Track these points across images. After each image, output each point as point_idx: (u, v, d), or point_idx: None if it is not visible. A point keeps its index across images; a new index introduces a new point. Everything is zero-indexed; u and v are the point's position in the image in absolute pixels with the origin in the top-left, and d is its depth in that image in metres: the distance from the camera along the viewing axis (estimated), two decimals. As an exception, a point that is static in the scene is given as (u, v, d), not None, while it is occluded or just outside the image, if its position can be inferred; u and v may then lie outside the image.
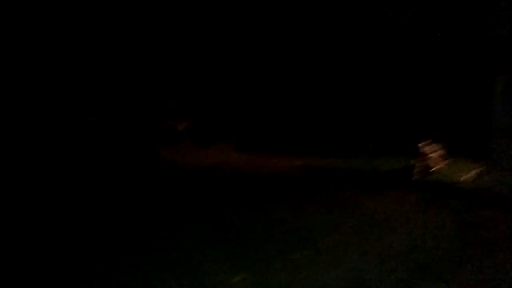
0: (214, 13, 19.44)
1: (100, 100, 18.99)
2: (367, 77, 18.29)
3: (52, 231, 6.24)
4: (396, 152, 17.04)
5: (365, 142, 18.47)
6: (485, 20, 11.95)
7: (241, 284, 4.59)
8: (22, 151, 14.17)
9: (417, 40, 15.25)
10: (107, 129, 20.39)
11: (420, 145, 11.82)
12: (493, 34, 11.39)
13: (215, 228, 6.41)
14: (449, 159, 12.11)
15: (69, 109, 18.92)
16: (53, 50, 17.73)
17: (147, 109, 21.42)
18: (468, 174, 11.19)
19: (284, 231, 6.29)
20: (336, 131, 19.69)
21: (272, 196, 8.60)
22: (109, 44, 18.23)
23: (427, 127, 15.12)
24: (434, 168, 11.64)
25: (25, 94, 17.40)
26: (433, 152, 11.78)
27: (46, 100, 18.20)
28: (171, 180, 10.34)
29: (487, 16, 11.33)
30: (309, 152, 18.13)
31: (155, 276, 4.75)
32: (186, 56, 19.99)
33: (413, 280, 4.74)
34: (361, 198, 8.41)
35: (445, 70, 14.89)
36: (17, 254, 5.35)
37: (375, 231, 6.33)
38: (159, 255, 5.32)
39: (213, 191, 9.06)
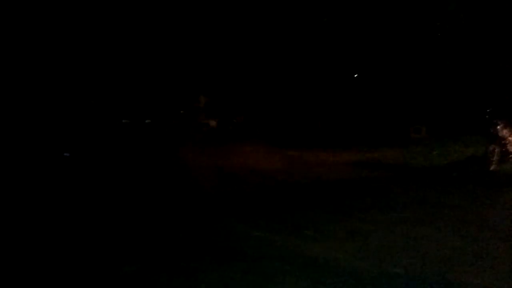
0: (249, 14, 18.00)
1: (131, 99, 17.75)
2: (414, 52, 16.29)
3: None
4: (450, 137, 15.10)
5: (415, 126, 16.43)
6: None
7: None
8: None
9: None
10: (137, 130, 19.07)
11: (496, 127, 9.72)
12: None
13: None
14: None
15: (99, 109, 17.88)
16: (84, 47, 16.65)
17: (178, 106, 19.92)
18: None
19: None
20: (379, 118, 17.70)
21: (358, 211, 6.17)
22: (141, 39, 16.85)
23: (488, 104, 13.03)
24: None
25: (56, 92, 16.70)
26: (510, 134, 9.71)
27: (76, 98, 17.31)
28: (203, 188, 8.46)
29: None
30: (353, 144, 16.12)
31: None
32: (216, 51, 18.34)
33: None
34: (469, 206, 6.46)
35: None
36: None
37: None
38: None
39: (260, 203, 6.98)
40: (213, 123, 20.47)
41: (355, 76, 17.87)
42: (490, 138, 9.77)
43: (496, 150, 9.51)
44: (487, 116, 11.04)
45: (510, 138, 9.60)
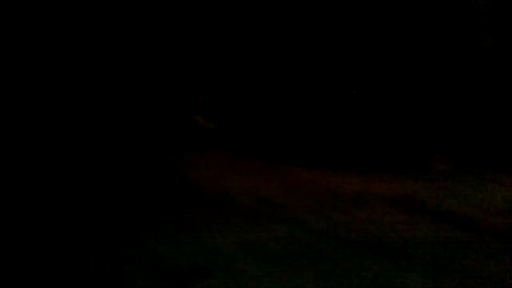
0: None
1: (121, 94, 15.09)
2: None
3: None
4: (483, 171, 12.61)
5: (440, 155, 13.83)
6: None
7: None
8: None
9: None
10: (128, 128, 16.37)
11: None
12: None
13: None
14: None
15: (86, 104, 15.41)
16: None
17: (175, 105, 17.10)
18: None
19: None
20: (383, 133, 14.86)
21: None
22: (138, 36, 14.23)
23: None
24: None
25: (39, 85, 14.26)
26: None
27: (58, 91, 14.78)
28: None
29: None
30: (356, 166, 13.16)
31: None
32: (217, 47, 15.60)
33: None
34: None
35: None
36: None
37: None
38: None
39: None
40: (212, 125, 17.62)
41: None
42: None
43: None
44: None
45: None
